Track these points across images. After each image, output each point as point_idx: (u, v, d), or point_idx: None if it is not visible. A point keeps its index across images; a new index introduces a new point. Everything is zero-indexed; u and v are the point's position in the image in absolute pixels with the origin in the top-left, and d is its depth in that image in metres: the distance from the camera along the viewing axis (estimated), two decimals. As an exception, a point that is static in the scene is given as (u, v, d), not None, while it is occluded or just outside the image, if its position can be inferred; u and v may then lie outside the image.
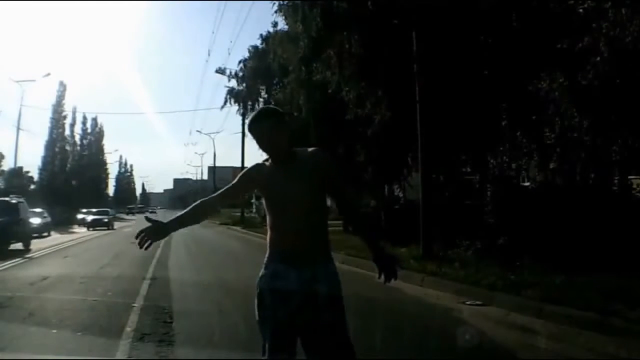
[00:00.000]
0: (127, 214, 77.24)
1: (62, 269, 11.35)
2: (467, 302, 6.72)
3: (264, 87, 28.44)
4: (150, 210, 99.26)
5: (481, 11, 10.36)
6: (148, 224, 2.48)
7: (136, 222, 47.52)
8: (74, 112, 56.91)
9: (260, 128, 2.46)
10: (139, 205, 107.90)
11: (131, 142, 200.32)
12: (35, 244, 18.53)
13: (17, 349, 4.82)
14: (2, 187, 35.85)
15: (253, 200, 35.13)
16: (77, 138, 59.83)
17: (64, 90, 52.02)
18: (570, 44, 7.73)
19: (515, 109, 9.95)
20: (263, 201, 2.60)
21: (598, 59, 7.32)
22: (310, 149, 2.55)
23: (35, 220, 24.44)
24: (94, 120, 66.17)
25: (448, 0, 10.79)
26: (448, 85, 10.84)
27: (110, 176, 78.88)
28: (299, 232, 2.42)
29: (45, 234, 24.71)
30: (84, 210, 40.60)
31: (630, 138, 7.72)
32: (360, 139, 14.91)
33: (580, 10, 7.84)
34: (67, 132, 54.76)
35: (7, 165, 42.38)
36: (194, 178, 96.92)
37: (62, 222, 37.50)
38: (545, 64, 8.65)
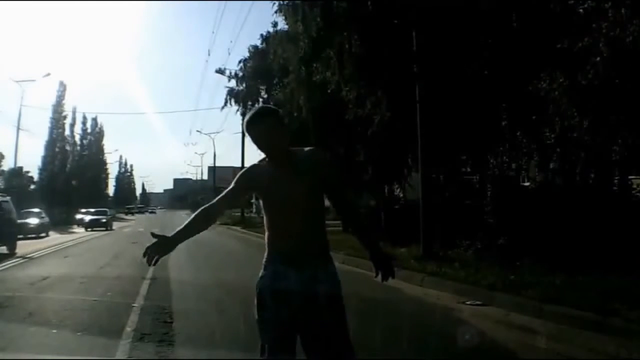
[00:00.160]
0: (126, 214, 77.14)
1: (62, 269, 11.35)
2: (467, 302, 6.72)
3: (264, 87, 28.45)
4: (150, 210, 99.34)
5: (481, 11, 10.35)
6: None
7: (136, 222, 47.54)
8: (74, 112, 56.86)
9: (259, 128, 2.43)
10: (139, 205, 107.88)
11: (131, 142, 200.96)
12: (34, 244, 18.53)
13: (17, 349, 4.82)
14: (2, 187, 35.81)
15: (253, 200, 35.15)
16: (77, 138, 59.77)
17: (64, 90, 51.94)
18: (570, 44, 7.72)
19: (515, 109, 9.95)
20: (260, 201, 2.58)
21: (598, 59, 7.31)
22: (307, 149, 2.53)
23: (33, 221, 24.42)
24: (94, 120, 66.18)
25: (448, 0, 10.79)
26: (448, 85, 10.84)
27: (110, 176, 78.86)
28: (297, 232, 2.41)
29: (43, 234, 24.59)
30: (83, 210, 40.53)
31: (630, 138, 7.71)
32: (360, 139, 14.90)
33: (580, 10, 7.84)
34: (67, 132, 54.64)
35: (7, 165, 42.29)
36: (194, 178, 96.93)
37: (62, 222, 37.52)
38: (545, 64, 8.64)
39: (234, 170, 40.46)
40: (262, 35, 27.16)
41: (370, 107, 12.50)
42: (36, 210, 26.71)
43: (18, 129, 37.73)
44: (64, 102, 52.31)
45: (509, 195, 9.64)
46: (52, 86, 71.32)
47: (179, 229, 2.51)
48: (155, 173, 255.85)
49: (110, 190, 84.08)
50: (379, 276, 2.55)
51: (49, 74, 42.47)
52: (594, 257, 7.17)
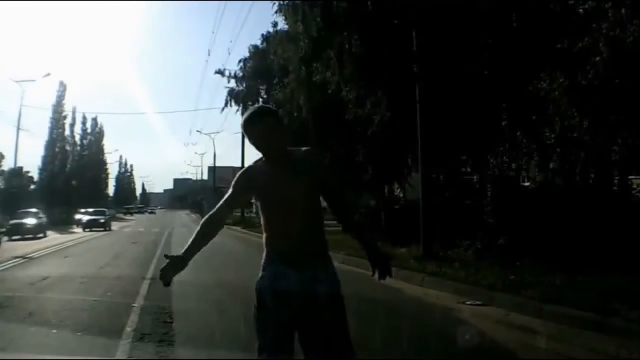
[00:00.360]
0: (125, 214, 77.09)
1: (62, 269, 11.35)
2: (467, 302, 6.72)
3: (264, 87, 28.45)
4: (149, 211, 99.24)
5: (481, 11, 10.35)
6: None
7: (136, 222, 47.55)
8: (74, 112, 56.87)
9: (258, 128, 2.42)
10: (139, 205, 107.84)
11: (131, 142, 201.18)
12: (33, 244, 18.53)
13: (17, 349, 4.82)
14: (2, 187, 35.82)
15: (253, 201, 35.06)
16: (77, 138, 59.79)
17: (64, 90, 51.95)
18: (570, 44, 7.72)
19: (515, 109, 9.95)
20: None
21: (598, 59, 7.31)
22: (304, 149, 2.52)
23: (30, 221, 24.39)
24: (94, 120, 66.22)
25: (448, 0, 10.79)
26: (448, 85, 10.84)
27: (110, 176, 78.90)
28: (296, 232, 2.41)
29: (41, 234, 24.50)
30: (82, 210, 40.48)
31: (630, 138, 7.71)
32: (360, 139, 14.89)
33: (580, 10, 7.84)
34: (67, 132, 54.67)
35: (7, 165, 42.26)
36: (194, 178, 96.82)
37: (61, 222, 37.50)
38: (545, 64, 8.64)
39: (234, 170, 40.46)
40: (262, 35, 27.21)
41: (370, 107, 12.50)
42: (33, 210, 26.61)
43: (18, 129, 37.73)
44: (64, 102, 52.40)
45: (509, 195, 9.64)
46: (52, 86, 71.46)
47: (187, 245, 2.47)
48: (155, 173, 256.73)
49: (110, 190, 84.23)
50: (376, 275, 2.55)
51: (49, 74, 42.49)
52: (594, 257, 7.17)
